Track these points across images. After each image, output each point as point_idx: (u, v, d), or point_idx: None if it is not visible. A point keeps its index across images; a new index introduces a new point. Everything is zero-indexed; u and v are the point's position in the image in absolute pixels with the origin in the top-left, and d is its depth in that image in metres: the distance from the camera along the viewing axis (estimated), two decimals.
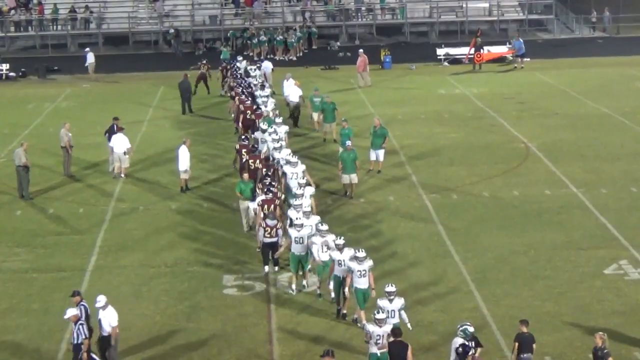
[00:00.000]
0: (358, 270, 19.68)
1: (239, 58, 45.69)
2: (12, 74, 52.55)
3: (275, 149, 28.01)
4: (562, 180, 30.08)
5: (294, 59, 56.55)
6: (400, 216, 26.94)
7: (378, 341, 17.22)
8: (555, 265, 23.11)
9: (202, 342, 19.56)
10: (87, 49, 53.06)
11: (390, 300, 18.11)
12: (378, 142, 30.68)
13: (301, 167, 26.24)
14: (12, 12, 62.63)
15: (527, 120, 38.63)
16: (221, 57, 49.74)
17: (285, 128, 31.18)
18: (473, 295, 21.43)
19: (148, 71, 52.03)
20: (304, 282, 22.06)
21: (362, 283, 19.69)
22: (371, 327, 17.35)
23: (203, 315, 20.81)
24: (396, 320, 18.04)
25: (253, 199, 25.24)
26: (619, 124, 37.70)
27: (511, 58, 53.93)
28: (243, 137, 30.84)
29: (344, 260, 20.11)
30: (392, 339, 17.03)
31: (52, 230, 26.62)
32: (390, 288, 18.26)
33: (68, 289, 22.22)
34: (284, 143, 28.82)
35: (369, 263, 19.83)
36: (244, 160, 28.11)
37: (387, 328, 17.28)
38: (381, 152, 30.76)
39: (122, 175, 31.23)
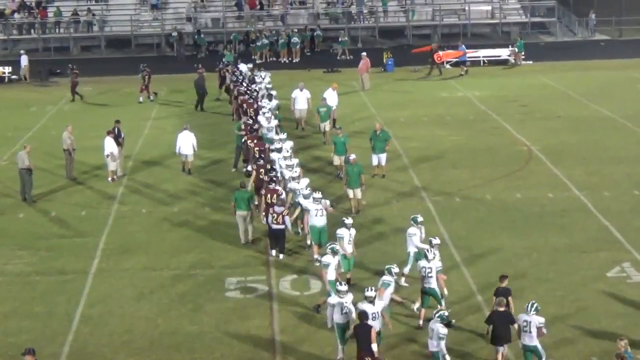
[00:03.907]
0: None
1: (250, 66, 45.40)
2: (14, 76, 52.63)
3: (292, 178, 25.90)
4: (564, 183, 30.08)
5: (296, 60, 56.84)
6: (403, 219, 26.86)
7: None
8: (558, 268, 23.10)
9: (204, 345, 19.57)
10: (22, 52, 53.73)
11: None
12: (380, 146, 30.57)
13: (324, 202, 24.12)
14: (16, 15, 62.67)
15: (530, 123, 38.63)
16: (224, 60, 49.74)
17: (290, 143, 29.31)
18: (475, 298, 21.43)
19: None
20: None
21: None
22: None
23: (206, 318, 20.82)
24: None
25: (242, 186, 25.67)
26: (622, 126, 37.69)
27: (513, 60, 54.07)
28: (247, 118, 33.31)
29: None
30: (357, 322, 17.86)
31: (54, 233, 26.64)
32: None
33: (71, 292, 22.38)
34: (299, 170, 26.68)
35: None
36: (243, 140, 30.72)
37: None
38: (383, 156, 30.68)
39: (109, 179, 31.24)
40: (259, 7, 63.74)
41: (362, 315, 17.78)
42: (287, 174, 26.26)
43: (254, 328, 20.28)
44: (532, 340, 17.73)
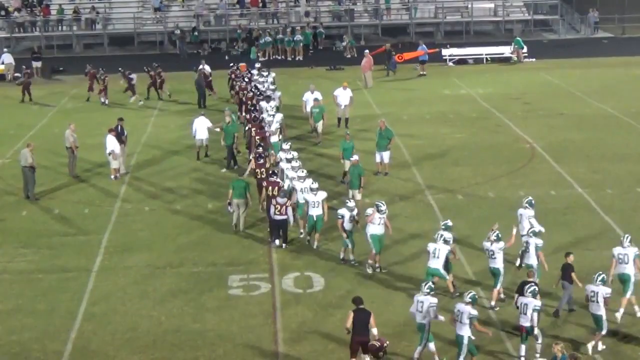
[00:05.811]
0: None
1: (258, 65, 45.34)
2: (17, 74, 52.60)
3: (304, 190, 25.04)
4: (567, 180, 30.07)
5: (300, 58, 56.86)
6: (406, 217, 26.92)
7: None
8: (561, 265, 23.01)
9: (207, 342, 19.58)
10: (5, 49, 53.75)
11: None
12: (383, 144, 30.58)
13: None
14: (16, 13, 62.68)
15: (533, 120, 38.62)
16: (250, 57, 49.93)
17: (294, 153, 28.23)
18: (478, 294, 21.37)
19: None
20: None
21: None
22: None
23: (208, 316, 20.83)
24: None
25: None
26: (625, 124, 37.68)
27: (515, 58, 54.04)
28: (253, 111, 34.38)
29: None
30: (355, 307, 17.92)
31: (57, 231, 26.66)
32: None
33: (74, 289, 22.40)
34: (317, 184, 25.14)
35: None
36: (246, 128, 32.42)
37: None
38: (386, 154, 30.67)
39: (112, 177, 31.26)
40: (261, 4, 63.75)
41: (357, 300, 18.03)
42: (299, 185, 25.32)
43: (257, 326, 20.29)
44: (599, 309, 18.63)
